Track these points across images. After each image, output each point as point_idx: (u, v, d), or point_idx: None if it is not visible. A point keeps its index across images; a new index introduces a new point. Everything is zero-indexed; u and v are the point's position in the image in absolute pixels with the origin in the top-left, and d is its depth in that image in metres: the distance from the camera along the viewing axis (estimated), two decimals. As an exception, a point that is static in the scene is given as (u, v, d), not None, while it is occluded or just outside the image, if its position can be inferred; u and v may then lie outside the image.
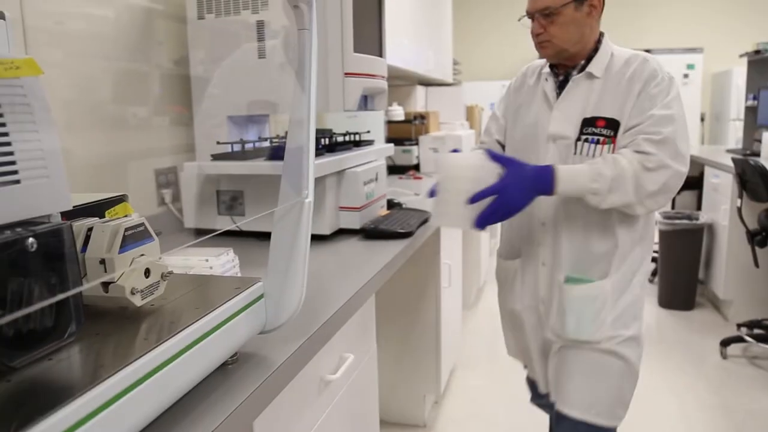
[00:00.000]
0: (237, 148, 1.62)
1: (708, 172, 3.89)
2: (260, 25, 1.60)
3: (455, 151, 1.44)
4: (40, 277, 0.59)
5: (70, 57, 1.30)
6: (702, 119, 6.68)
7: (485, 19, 6.97)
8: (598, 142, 1.36)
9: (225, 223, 1.54)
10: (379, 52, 1.83)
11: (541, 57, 1.48)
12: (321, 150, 1.64)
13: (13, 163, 0.62)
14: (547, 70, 1.49)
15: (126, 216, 0.96)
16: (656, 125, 1.31)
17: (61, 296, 0.60)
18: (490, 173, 1.27)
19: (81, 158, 1.37)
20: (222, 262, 1.08)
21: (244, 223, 1.49)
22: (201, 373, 0.73)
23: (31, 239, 0.58)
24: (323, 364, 1.05)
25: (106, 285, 0.72)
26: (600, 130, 1.37)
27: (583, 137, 1.38)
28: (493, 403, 2.69)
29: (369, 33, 1.74)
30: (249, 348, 0.88)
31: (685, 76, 6.33)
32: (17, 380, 0.59)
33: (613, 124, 1.36)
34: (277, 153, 1.60)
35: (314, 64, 0.92)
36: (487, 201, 1.25)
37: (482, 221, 1.27)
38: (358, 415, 1.29)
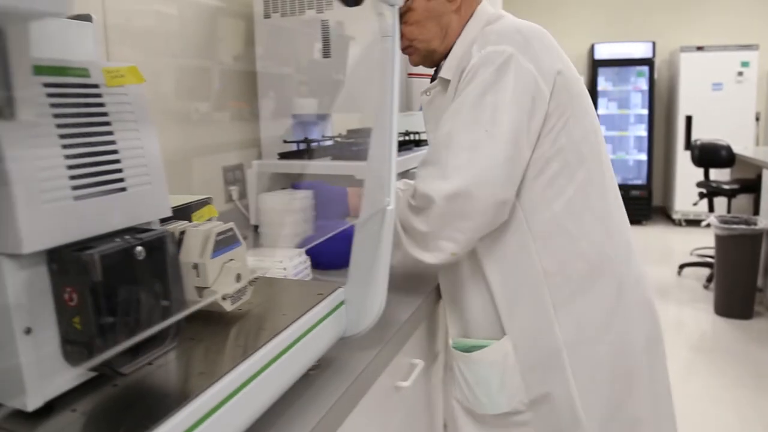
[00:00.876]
0: (302, 146, 1.63)
1: (766, 174, 3.74)
2: (325, 24, 1.60)
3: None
4: (148, 284, 0.60)
5: (148, 55, 1.33)
6: (757, 119, 6.42)
7: (533, 15, 6.86)
8: None
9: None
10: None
11: (413, 65, 1.17)
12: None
13: (120, 171, 0.63)
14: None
15: (210, 219, 0.98)
16: (436, 138, 1.00)
17: (188, 311, 0.61)
18: None
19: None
20: (295, 263, 1.08)
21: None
22: (290, 380, 0.73)
23: (139, 247, 0.59)
24: (395, 370, 1.05)
25: (199, 289, 0.73)
26: None
27: None
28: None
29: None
30: (326, 354, 0.87)
31: (740, 74, 6.08)
32: (123, 385, 0.60)
33: None
34: (341, 152, 1.60)
35: (397, 70, 0.91)
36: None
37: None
38: (426, 422, 1.29)
